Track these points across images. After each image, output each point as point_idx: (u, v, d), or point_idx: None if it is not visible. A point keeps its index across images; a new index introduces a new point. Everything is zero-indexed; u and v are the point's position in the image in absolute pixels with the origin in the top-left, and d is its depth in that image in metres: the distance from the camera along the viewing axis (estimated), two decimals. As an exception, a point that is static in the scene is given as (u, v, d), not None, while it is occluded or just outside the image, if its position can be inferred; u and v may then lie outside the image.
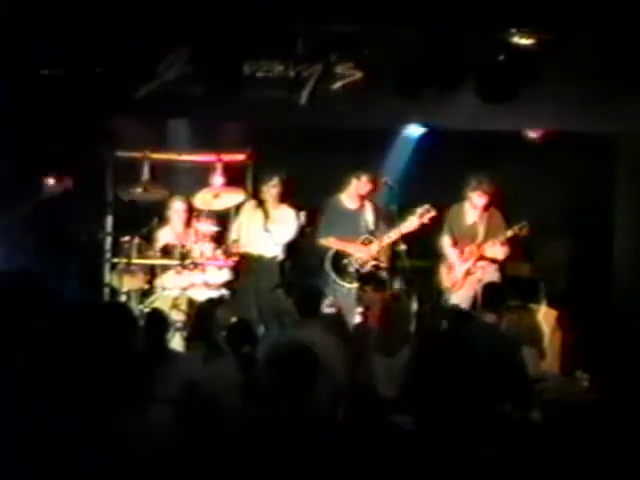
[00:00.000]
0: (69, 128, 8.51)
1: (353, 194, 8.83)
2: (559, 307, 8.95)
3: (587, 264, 9.14)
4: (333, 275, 8.80)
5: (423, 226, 8.68)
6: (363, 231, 8.83)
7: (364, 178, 8.76)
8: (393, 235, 8.75)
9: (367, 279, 8.56)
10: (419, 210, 8.64)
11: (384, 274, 8.73)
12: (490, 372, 6.39)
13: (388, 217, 8.86)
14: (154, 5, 7.60)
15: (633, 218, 8.52)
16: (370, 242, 8.79)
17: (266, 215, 8.96)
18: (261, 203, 8.97)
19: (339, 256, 8.83)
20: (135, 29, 7.71)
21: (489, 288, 7.32)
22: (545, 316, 8.89)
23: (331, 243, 8.86)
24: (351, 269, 8.78)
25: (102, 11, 7.59)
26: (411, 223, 8.67)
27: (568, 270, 9.51)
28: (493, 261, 8.65)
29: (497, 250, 8.56)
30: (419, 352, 6.32)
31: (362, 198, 8.86)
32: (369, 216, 8.89)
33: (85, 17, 7.61)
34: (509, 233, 8.53)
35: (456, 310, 7.91)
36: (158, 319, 6.77)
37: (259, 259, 8.93)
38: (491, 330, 6.99)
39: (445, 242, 8.80)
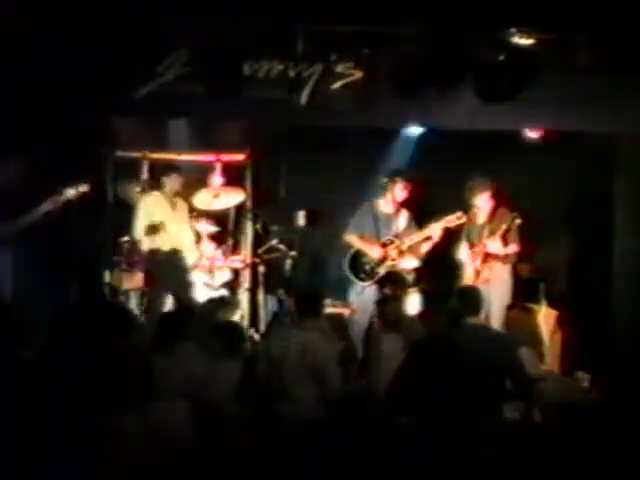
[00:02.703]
0: (69, 128, 8.52)
1: (390, 200, 8.81)
2: (559, 307, 8.96)
3: (587, 264, 9.14)
4: (349, 273, 8.82)
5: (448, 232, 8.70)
6: (392, 234, 8.83)
7: (400, 183, 8.75)
8: (415, 238, 8.76)
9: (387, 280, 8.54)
10: (447, 217, 8.64)
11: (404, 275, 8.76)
12: (486, 372, 6.38)
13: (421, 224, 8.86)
14: (154, 5, 7.60)
15: (633, 218, 8.51)
16: (391, 243, 8.79)
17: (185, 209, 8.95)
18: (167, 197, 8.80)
19: (358, 255, 8.84)
20: (135, 29, 7.71)
21: (463, 294, 7.25)
22: (545, 316, 8.90)
23: (352, 240, 8.86)
24: (367, 268, 8.80)
25: (102, 11, 7.59)
26: (435, 228, 8.67)
27: (568, 270, 9.51)
28: (498, 258, 8.58)
29: (497, 244, 8.52)
30: (413, 353, 6.30)
31: (399, 204, 8.84)
32: (402, 222, 8.88)
33: (85, 17, 7.60)
34: (504, 227, 8.51)
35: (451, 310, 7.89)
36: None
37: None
38: (486, 330, 6.97)
39: (462, 249, 8.77)
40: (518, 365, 6.69)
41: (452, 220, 8.65)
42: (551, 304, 9.03)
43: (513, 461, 5.56)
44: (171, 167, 8.87)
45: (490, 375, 6.36)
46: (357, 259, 8.84)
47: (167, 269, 8.69)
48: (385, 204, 8.86)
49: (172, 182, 8.73)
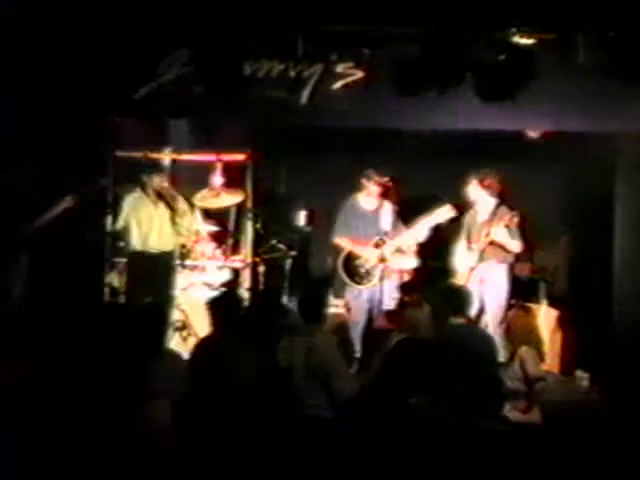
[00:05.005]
0: (69, 128, 8.52)
1: (370, 194, 8.76)
2: (559, 307, 8.95)
3: (587, 264, 9.14)
4: (344, 276, 8.77)
5: (441, 227, 8.66)
6: (379, 231, 8.79)
7: (375, 178, 8.70)
8: (407, 237, 8.71)
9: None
10: (437, 210, 8.60)
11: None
12: (471, 372, 6.39)
13: (406, 218, 8.83)
14: (154, 5, 7.60)
15: (633, 218, 8.52)
16: (383, 243, 8.74)
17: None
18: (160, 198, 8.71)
19: (351, 257, 8.78)
20: (135, 29, 7.71)
21: (454, 293, 7.23)
22: (545, 316, 8.90)
23: (344, 243, 8.81)
24: (362, 270, 8.74)
25: (102, 11, 7.59)
26: (429, 223, 8.63)
27: (568, 270, 9.51)
28: (497, 253, 8.52)
29: (504, 233, 8.43)
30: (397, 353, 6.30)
31: (381, 198, 8.78)
32: (386, 217, 8.83)
33: (85, 17, 7.61)
34: (501, 224, 8.46)
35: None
36: (155, 315, 6.74)
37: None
38: (471, 330, 6.97)
39: (460, 246, 8.72)
40: (516, 365, 6.72)
41: (441, 215, 8.59)
42: (551, 304, 9.03)
43: (513, 461, 5.56)
44: (153, 167, 8.81)
45: (476, 375, 6.37)
46: (350, 261, 8.76)
47: (151, 269, 8.66)
48: (366, 200, 8.80)
49: (153, 182, 8.65)
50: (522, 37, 7.82)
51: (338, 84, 8.10)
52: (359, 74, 8.09)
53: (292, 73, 8.04)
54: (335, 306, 8.87)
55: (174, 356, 6.43)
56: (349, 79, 8.10)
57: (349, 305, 8.72)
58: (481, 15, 7.61)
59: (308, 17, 7.73)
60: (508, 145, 8.80)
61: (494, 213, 8.60)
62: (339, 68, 8.10)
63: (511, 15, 7.72)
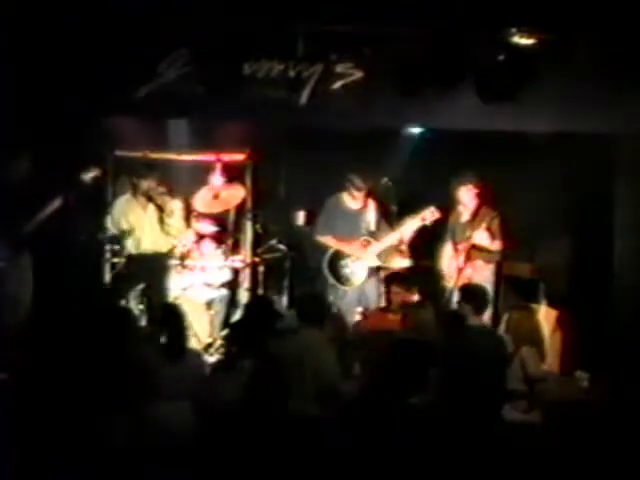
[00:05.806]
0: (69, 128, 8.52)
1: (354, 194, 8.75)
2: (559, 307, 8.95)
3: (587, 264, 9.14)
4: (329, 277, 8.73)
5: (427, 228, 8.65)
6: (363, 231, 8.75)
7: (356, 182, 8.69)
8: (395, 237, 8.69)
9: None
10: (423, 212, 8.58)
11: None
12: (483, 373, 6.39)
13: (391, 218, 8.82)
14: (154, 5, 7.61)
15: (633, 218, 8.52)
16: (369, 243, 8.72)
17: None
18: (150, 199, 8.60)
19: (336, 257, 8.75)
20: (135, 29, 7.72)
21: (468, 292, 7.22)
22: (545, 316, 8.89)
23: (329, 242, 8.78)
24: (347, 271, 8.71)
25: (103, 11, 7.59)
26: (413, 225, 8.61)
27: (568, 270, 9.50)
28: (482, 254, 8.52)
29: (483, 236, 8.45)
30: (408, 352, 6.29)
31: (365, 198, 8.76)
32: (371, 216, 8.79)
33: (85, 17, 7.61)
34: (483, 225, 8.46)
35: (448, 312, 7.88)
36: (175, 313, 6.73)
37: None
38: (483, 331, 6.98)
39: (447, 247, 8.72)
40: (516, 365, 6.71)
41: (426, 217, 8.58)
42: (551, 304, 9.02)
43: (513, 461, 5.57)
44: (146, 168, 8.76)
45: (487, 376, 6.37)
46: (336, 261, 8.72)
47: (140, 271, 8.62)
48: (350, 199, 8.76)
49: (143, 185, 8.55)
50: (522, 37, 7.83)
51: (338, 84, 8.11)
52: (359, 74, 8.09)
53: (292, 73, 8.05)
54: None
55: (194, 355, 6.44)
56: (349, 79, 8.11)
57: (337, 306, 8.66)
58: (481, 15, 7.62)
59: (308, 17, 7.73)
60: (508, 145, 8.79)
61: (476, 214, 8.61)
62: (339, 68, 8.11)
63: (511, 15, 7.73)
